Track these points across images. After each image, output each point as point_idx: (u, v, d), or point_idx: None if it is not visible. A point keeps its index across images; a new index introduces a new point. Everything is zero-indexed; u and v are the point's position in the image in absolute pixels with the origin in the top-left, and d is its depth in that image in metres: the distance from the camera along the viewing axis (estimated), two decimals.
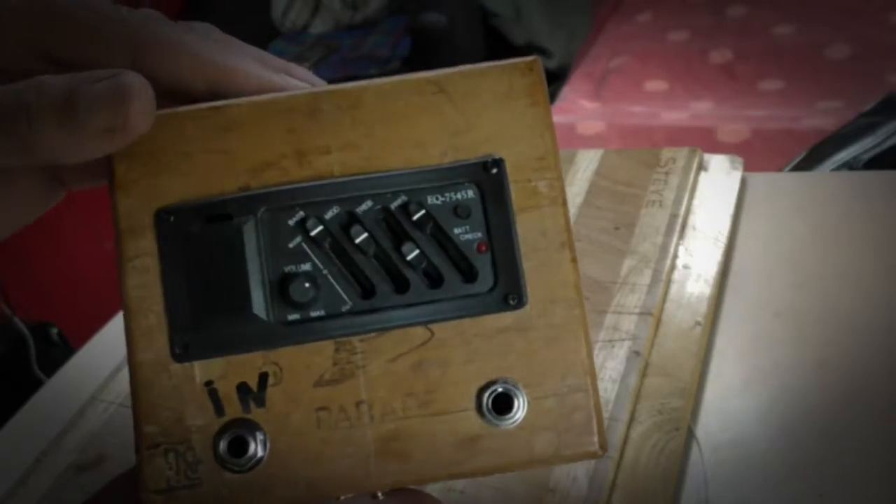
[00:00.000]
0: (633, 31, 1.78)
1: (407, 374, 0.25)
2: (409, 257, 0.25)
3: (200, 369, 0.25)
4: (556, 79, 2.25)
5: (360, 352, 0.25)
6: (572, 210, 0.55)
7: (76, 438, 0.50)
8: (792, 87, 1.49)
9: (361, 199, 0.26)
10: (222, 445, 0.25)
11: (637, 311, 0.46)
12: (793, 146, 1.09)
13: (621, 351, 0.44)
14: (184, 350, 0.25)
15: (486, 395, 0.25)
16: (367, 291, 0.26)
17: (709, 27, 1.70)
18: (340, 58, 2.31)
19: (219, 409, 0.25)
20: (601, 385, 0.42)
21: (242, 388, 0.25)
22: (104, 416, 0.50)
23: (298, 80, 0.27)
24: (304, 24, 2.51)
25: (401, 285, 0.26)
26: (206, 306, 0.26)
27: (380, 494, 0.26)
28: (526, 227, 0.26)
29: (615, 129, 1.44)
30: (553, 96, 1.77)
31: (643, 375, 0.43)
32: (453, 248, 0.26)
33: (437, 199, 0.26)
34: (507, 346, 0.25)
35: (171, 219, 0.26)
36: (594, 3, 2.14)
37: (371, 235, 0.26)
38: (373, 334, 0.25)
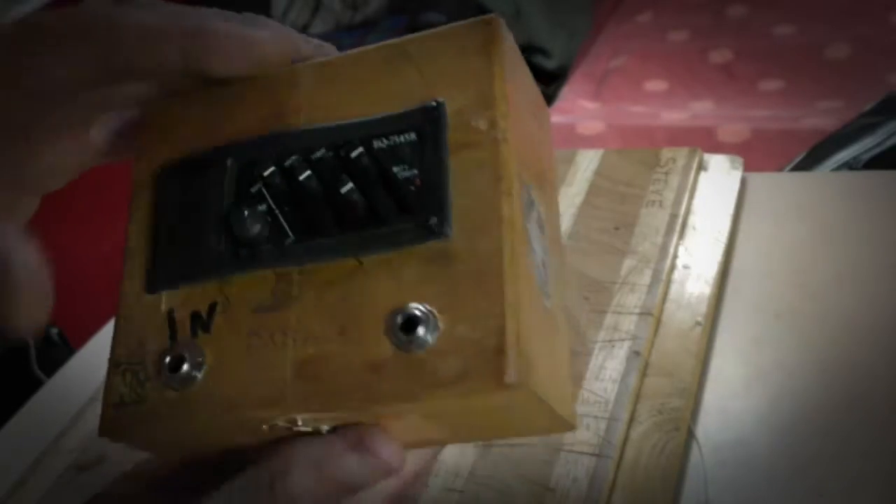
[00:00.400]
0: (633, 31, 1.78)
1: (333, 303, 0.26)
2: (343, 190, 0.26)
3: (166, 299, 0.28)
4: (556, 79, 2.25)
5: (297, 283, 0.27)
6: (572, 210, 0.55)
7: (76, 438, 0.50)
8: (792, 87, 1.49)
9: (317, 148, 0.28)
10: (165, 365, 0.27)
11: (637, 311, 0.46)
12: (793, 146, 1.09)
13: (621, 351, 0.44)
14: (153, 282, 0.28)
15: (398, 318, 0.25)
16: (309, 226, 0.27)
17: (709, 27, 1.70)
18: None
19: (173, 334, 0.27)
20: (601, 385, 0.42)
21: (194, 316, 0.27)
22: None
23: (265, 24, 0.30)
24: (304, 24, 2.51)
25: (339, 220, 0.27)
26: (175, 243, 0.28)
27: (324, 429, 0.26)
28: (461, 163, 0.26)
29: (615, 129, 1.44)
30: (553, 96, 1.77)
31: (643, 375, 0.43)
32: (391, 186, 0.27)
33: (381, 142, 0.27)
34: (430, 276, 0.25)
35: (160, 173, 0.29)
36: (594, 3, 2.14)
37: (314, 174, 0.27)
38: (309, 265, 0.27)
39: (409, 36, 0.30)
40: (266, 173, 0.28)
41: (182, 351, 0.27)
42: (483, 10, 2.39)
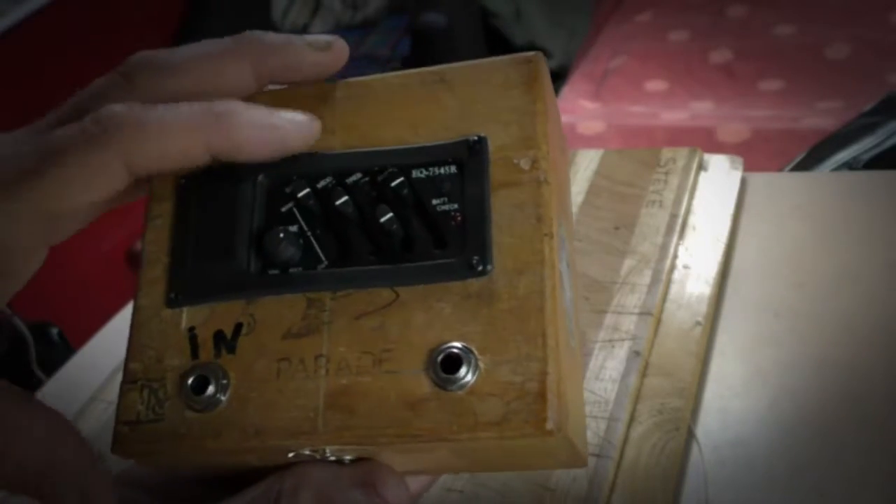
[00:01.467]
0: (633, 31, 1.78)
1: (368, 333, 0.26)
2: (382, 220, 0.26)
3: (187, 315, 0.27)
4: (556, 79, 2.24)
5: (329, 309, 0.26)
6: (572, 210, 0.55)
7: None
8: (792, 87, 1.49)
9: (352, 171, 0.28)
10: (187, 384, 0.26)
11: (637, 311, 0.46)
12: (793, 146, 1.09)
13: (621, 351, 0.44)
14: (175, 296, 0.27)
15: (438, 355, 0.24)
16: (344, 252, 0.27)
17: (709, 27, 1.70)
18: None
19: (194, 353, 0.26)
20: (601, 385, 0.42)
21: (218, 335, 0.26)
22: (104, 416, 0.50)
23: (291, 118, 0.29)
24: (304, 25, 2.51)
25: (374, 248, 0.27)
26: (199, 258, 0.27)
27: (346, 459, 0.26)
28: (503, 201, 0.26)
29: (615, 129, 1.44)
30: None
31: (643, 375, 0.43)
32: (429, 218, 0.27)
33: (420, 172, 0.27)
34: (470, 313, 0.25)
35: (183, 182, 0.28)
36: (594, 3, 2.14)
37: (350, 199, 0.27)
38: (342, 293, 0.26)
39: (448, 64, 0.30)
40: (300, 194, 0.28)
41: (206, 371, 0.26)
42: (484, 11, 2.39)
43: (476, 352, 0.24)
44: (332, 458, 0.26)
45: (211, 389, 0.25)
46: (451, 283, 0.26)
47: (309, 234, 0.27)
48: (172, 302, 0.27)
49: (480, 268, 0.25)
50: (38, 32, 2.00)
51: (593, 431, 0.40)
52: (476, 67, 0.29)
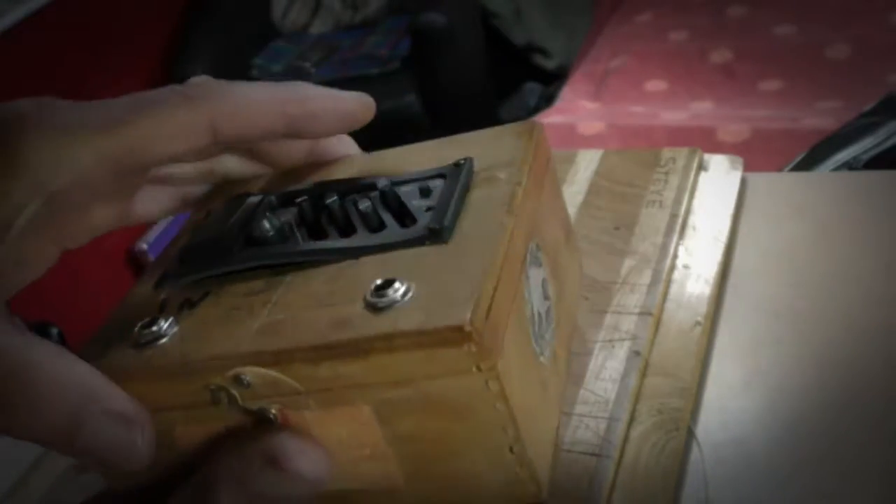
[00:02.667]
0: (633, 31, 1.78)
1: (320, 286, 0.27)
2: (361, 206, 0.29)
3: (165, 292, 0.29)
4: (556, 79, 2.25)
5: (292, 273, 0.28)
6: (572, 210, 0.55)
7: None
8: (792, 87, 1.49)
9: (353, 191, 0.30)
10: (137, 327, 0.28)
11: (637, 311, 0.46)
12: (793, 146, 1.09)
13: (621, 351, 0.44)
14: (161, 280, 0.30)
15: (376, 282, 0.25)
16: (318, 234, 0.30)
17: (709, 27, 1.70)
18: (340, 58, 2.31)
19: (160, 311, 0.28)
20: (601, 385, 0.42)
21: (185, 301, 0.28)
22: None
23: (355, 100, 0.32)
24: (304, 24, 2.51)
25: (347, 231, 0.29)
26: (196, 250, 0.30)
27: (271, 412, 0.26)
28: (476, 196, 0.29)
29: (615, 129, 1.44)
30: (553, 96, 1.76)
31: (643, 375, 0.43)
32: (405, 210, 0.29)
33: (409, 186, 0.30)
34: (419, 263, 0.26)
35: (211, 209, 0.32)
36: (594, 3, 2.14)
37: (338, 199, 0.30)
38: (309, 267, 0.28)
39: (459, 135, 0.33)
40: (299, 199, 0.30)
41: (159, 317, 0.27)
42: (484, 11, 2.39)
43: (413, 284, 0.25)
44: (253, 409, 0.25)
45: (156, 327, 0.27)
46: (408, 250, 0.27)
47: (292, 222, 0.29)
48: (158, 284, 0.30)
49: (437, 234, 0.27)
50: (37, 32, 2.00)
51: (593, 431, 0.40)
52: (484, 131, 0.33)
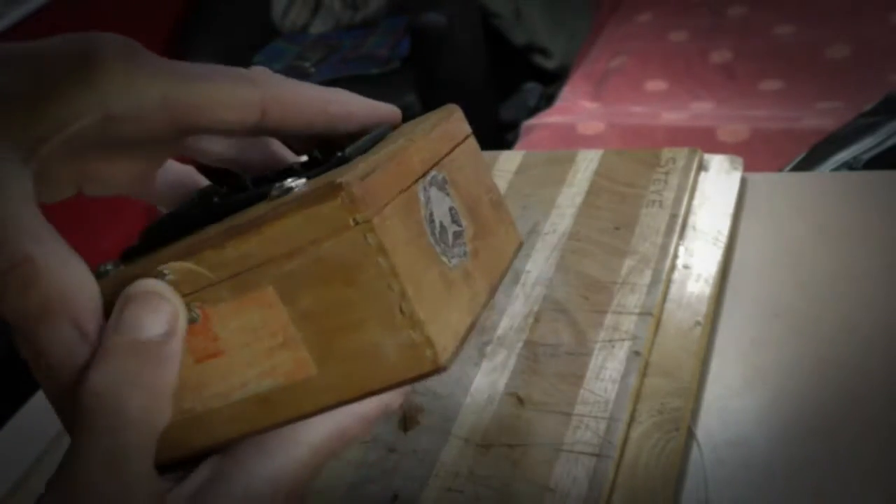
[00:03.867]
0: (633, 31, 1.78)
1: (235, 216, 0.29)
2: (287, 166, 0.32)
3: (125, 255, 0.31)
4: (556, 79, 2.25)
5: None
6: (572, 210, 0.55)
7: None
8: (792, 87, 1.49)
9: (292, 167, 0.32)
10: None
11: (637, 311, 0.46)
12: (793, 146, 1.09)
13: (621, 351, 0.44)
14: (123, 255, 0.31)
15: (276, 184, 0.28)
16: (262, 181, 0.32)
17: (709, 27, 1.70)
18: (340, 58, 2.31)
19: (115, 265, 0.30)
20: (601, 385, 0.42)
21: (131, 252, 0.31)
22: None
23: (385, 107, 0.35)
24: (304, 24, 2.51)
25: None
26: (155, 228, 0.32)
27: (195, 313, 0.28)
28: (388, 141, 0.32)
29: (615, 129, 1.44)
30: (553, 96, 1.76)
31: (643, 375, 0.43)
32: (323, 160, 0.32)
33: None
34: (321, 175, 0.29)
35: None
36: (594, 3, 2.14)
37: (279, 172, 0.32)
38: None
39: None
40: (247, 179, 0.32)
41: (110, 263, 0.30)
42: (484, 11, 2.39)
43: (306, 180, 0.27)
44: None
45: (106, 267, 0.30)
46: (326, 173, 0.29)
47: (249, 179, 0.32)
48: (125, 256, 0.31)
49: (342, 156, 0.29)
50: (37, 32, 1.99)
51: (593, 431, 0.40)
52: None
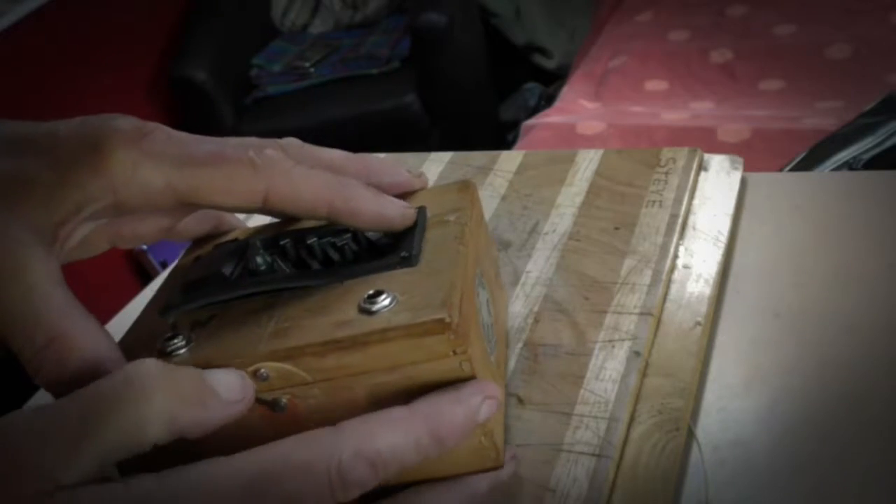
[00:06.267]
0: (633, 31, 1.78)
1: (314, 302, 0.31)
2: (338, 243, 0.34)
3: (173, 318, 0.33)
4: (556, 79, 2.25)
5: (287, 295, 0.32)
6: (572, 210, 0.55)
7: None
8: (792, 87, 1.49)
9: (331, 234, 0.35)
10: (160, 340, 0.31)
11: (637, 311, 0.46)
12: (793, 146, 1.09)
13: (621, 351, 0.44)
14: (166, 309, 0.33)
15: (368, 293, 0.30)
16: (304, 265, 0.35)
17: (709, 27, 1.70)
18: (340, 58, 2.31)
19: (172, 330, 0.32)
20: (601, 385, 0.42)
21: (195, 322, 0.32)
22: None
23: (396, 206, 0.35)
24: (304, 24, 2.51)
25: (327, 264, 0.34)
26: (196, 282, 0.34)
27: (283, 402, 0.30)
28: (432, 234, 0.34)
29: (615, 129, 1.44)
30: (553, 96, 1.76)
31: (643, 375, 0.43)
32: (375, 247, 0.35)
33: (375, 234, 0.36)
34: (396, 282, 0.31)
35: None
36: (594, 3, 2.14)
37: (318, 240, 0.34)
38: (301, 291, 0.32)
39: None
40: (282, 241, 0.35)
41: (177, 333, 0.31)
42: (484, 11, 2.39)
43: (396, 295, 0.30)
44: (269, 399, 0.30)
45: (177, 341, 0.31)
46: (384, 273, 0.32)
47: (276, 257, 0.34)
48: (163, 312, 0.33)
49: (407, 258, 0.32)
50: (37, 32, 1.99)
51: (593, 432, 0.40)
52: (429, 189, 0.39)
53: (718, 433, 0.41)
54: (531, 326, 0.47)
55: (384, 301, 0.29)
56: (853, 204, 0.53)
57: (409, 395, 0.29)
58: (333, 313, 0.30)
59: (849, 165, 0.85)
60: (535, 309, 0.48)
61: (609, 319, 0.46)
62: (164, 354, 0.30)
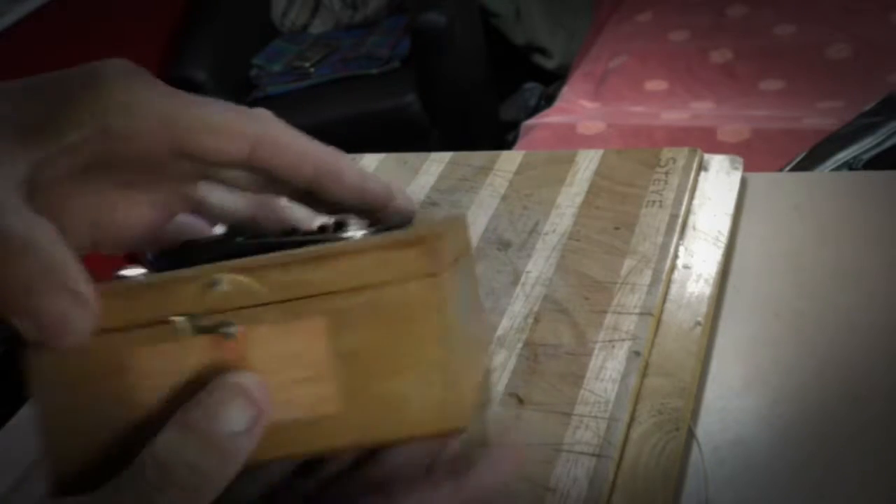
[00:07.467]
0: (633, 31, 1.78)
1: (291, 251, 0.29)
2: (321, 236, 0.31)
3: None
4: (556, 79, 2.25)
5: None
6: (572, 210, 0.55)
7: None
8: (792, 87, 1.49)
9: (320, 232, 0.33)
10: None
11: (637, 311, 0.46)
12: (793, 146, 1.09)
13: (621, 351, 0.44)
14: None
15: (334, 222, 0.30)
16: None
17: (709, 27, 1.70)
18: (340, 58, 2.31)
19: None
20: (601, 385, 0.42)
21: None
22: None
23: (379, 183, 0.34)
24: (304, 24, 2.51)
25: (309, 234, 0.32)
26: (173, 253, 0.33)
27: (231, 331, 0.27)
28: (421, 218, 0.33)
29: (615, 129, 1.44)
30: (553, 96, 1.76)
31: (643, 375, 0.43)
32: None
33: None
34: (378, 236, 0.29)
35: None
36: (594, 3, 2.14)
37: (301, 234, 0.33)
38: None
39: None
40: (263, 239, 0.32)
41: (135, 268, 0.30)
42: (484, 11, 2.39)
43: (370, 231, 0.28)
44: (215, 325, 0.27)
45: (133, 270, 0.29)
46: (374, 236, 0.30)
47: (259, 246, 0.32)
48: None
49: (393, 227, 0.30)
50: (37, 32, 1.99)
51: (593, 432, 0.40)
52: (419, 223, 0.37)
53: (718, 433, 0.41)
54: (531, 326, 0.47)
55: (355, 229, 0.28)
56: (853, 204, 0.53)
57: (371, 325, 0.27)
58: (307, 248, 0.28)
59: (849, 165, 0.85)
60: (535, 309, 0.48)
61: (609, 319, 0.46)
62: (116, 277, 0.28)
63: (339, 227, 0.31)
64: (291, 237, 0.32)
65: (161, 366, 0.27)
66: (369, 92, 2.18)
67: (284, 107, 2.24)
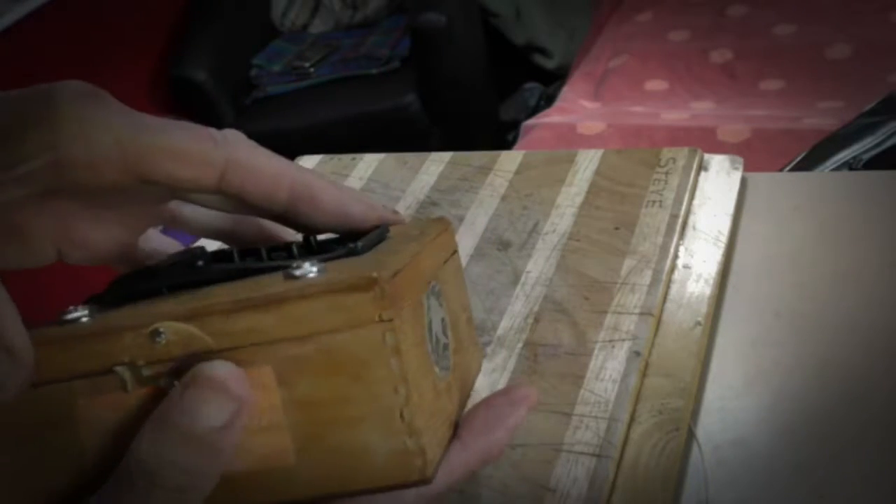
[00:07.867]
0: (633, 31, 1.78)
1: (244, 284, 0.28)
2: (284, 251, 0.31)
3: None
4: (556, 79, 2.24)
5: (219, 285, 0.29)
6: (572, 210, 0.55)
7: None
8: (792, 87, 1.49)
9: (282, 248, 0.32)
10: (62, 312, 0.28)
11: (637, 311, 0.46)
12: (793, 146, 1.09)
13: (621, 351, 0.44)
14: (87, 300, 0.30)
15: (293, 265, 0.26)
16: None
17: (709, 27, 1.70)
18: (340, 57, 2.31)
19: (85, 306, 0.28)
20: (601, 385, 0.42)
21: (109, 303, 0.29)
22: None
23: (361, 203, 0.33)
24: (304, 24, 2.51)
25: (270, 252, 0.31)
26: (127, 279, 0.31)
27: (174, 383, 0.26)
28: (390, 241, 0.31)
29: (615, 129, 1.44)
30: (553, 96, 1.76)
31: (643, 375, 0.43)
32: (324, 248, 0.32)
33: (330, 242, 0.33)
34: (335, 264, 0.28)
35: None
36: (594, 3, 2.14)
37: (266, 250, 0.31)
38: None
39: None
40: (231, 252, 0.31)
41: (81, 307, 0.28)
42: (484, 11, 2.39)
43: (326, 268, 0.26)
44: (160, 384, 0.25)
45: (79, 312, 0.27)
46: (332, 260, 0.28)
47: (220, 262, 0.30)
48: (85, 301, 0.30)
49: (353, 248, 0.29)
50: (37, 32, 1.99)
51: (593, 432, 0.40)
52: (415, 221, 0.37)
53: (718, 433, 0.41)
54: (531, 326, 0.47)
55: (311, 269, 0.25)
56: (853, 204, 0.53)
57: (322, 374, 0.25)
58: (256, 284, 0.27)
59: (849, 165, 0.85)
60: (535, 309, 0.48)
61: (609, 319, 0.46)
62: (61, 323, 0.27)
63: (302, 248, 0.30)
64: (255, 263, 0.30)
65: (106, 415, 0.26)
66: (369, 92, 2.18)
67: (284, 107, 2.24)
